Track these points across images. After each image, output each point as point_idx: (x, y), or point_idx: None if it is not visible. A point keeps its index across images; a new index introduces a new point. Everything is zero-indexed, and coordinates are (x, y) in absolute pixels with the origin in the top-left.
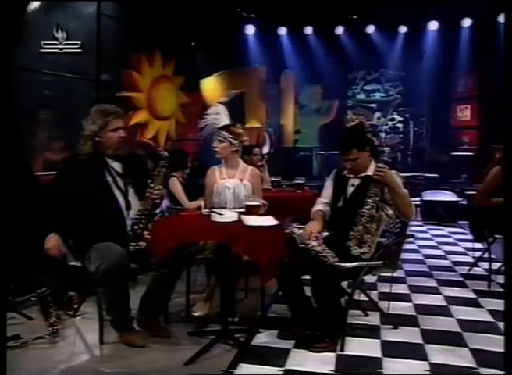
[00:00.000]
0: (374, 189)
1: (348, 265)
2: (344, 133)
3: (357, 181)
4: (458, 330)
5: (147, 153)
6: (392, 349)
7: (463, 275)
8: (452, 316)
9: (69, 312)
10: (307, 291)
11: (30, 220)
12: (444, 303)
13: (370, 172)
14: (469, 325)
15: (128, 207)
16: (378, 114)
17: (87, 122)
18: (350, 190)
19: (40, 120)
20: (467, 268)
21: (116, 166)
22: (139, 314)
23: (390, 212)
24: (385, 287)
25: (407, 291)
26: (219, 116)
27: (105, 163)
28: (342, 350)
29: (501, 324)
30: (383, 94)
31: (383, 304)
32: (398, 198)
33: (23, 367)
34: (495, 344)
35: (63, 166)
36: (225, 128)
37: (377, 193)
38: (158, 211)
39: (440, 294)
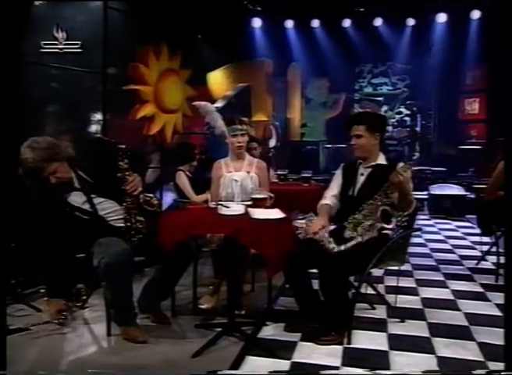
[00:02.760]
0: (383, 189)
1: (343, 247)
2: (360, 112)
3: (367, 171)
4: (465, 323)
5: (154, 147)
6: (399, 342)
7: (470, 269)
8: (459, 310)
9: (78, 304)
10: (315, 284)
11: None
12: (451, 297)
13: (380, 161)
14: (476, 319)
15: (98, 216)
16: (385, 107)
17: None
18: (361, 179)
19: (47, 113)
20: (475, 262)
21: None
22: (139, 300)
23: (387, 208)
24: (392, 281)
25: (414, 285)
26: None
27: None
28: (349, 343)
29: None
30: (390, 88)
31: (390, 297)
32: (404, 199)
33: (31, 358)
34: (502, 337)
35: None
36: (241, 121)
37: (386, 192)
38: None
39: (447, 287)
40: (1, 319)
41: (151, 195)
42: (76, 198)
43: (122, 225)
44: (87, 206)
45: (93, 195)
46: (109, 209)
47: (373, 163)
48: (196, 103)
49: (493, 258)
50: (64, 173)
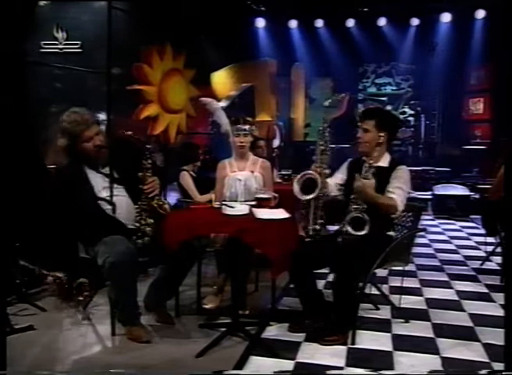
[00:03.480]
0: (353, 196)
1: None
2: (375, 107)
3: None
4: (470, 324)
5: (157, 146)
6: (403, 343)
7: (475, 269)
8: (464, 311)
9: (80, 299)
10: (319, 284)
11: (42, 212)
12: (456, 297)
13: (382, 163)
14: (481, 319)
15: (114, 209)
16: (389, 107)
17: (59, 132)
18: None
19: (52, 113)
20: (479, 262)
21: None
22: (146, 299)
23: (360, 214)
24: (396, 281)
25: (418, 285)
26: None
27: (83, 174)
28: (353, 343)
29: None
30: (394, 88)
31: (394, 298)
32: (377, 205)
33: (36, 357)
34: None
35: (51, 182)
36: (245, 121)
37: (355, 199)
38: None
39: (452, 288)
40: (1, 319)
41: (165, 201)
42: (98, 182)
43: (132, 227)
44: (102, 194)
45: (116, 186)
46: (120, 205)
47: (375, 165)
48: (203, 99)
49: (498, 259)
50: (104, 138)
